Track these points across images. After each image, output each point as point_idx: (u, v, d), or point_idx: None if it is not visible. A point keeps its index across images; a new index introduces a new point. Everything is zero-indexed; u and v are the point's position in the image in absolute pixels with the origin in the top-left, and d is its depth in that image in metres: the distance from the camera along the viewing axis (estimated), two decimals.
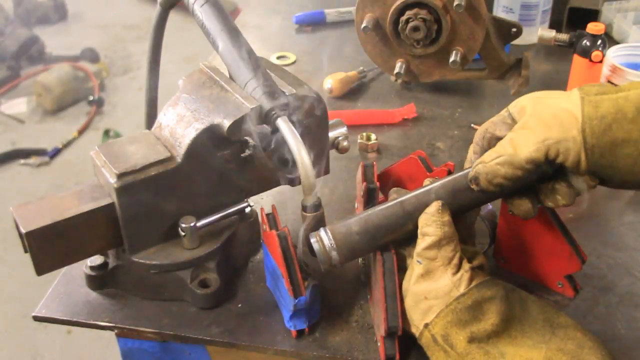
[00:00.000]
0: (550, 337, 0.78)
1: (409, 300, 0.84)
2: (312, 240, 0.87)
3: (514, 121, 0.86)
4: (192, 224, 0.97)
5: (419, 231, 0.85)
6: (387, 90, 1.60)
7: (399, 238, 0.88)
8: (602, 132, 0.78)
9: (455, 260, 0.83)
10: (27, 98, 4.17)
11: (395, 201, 0.88)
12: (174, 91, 1.02)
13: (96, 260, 1.00)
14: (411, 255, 0.86)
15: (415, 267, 0.84)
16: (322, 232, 0.87)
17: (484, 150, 0.89)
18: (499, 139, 0.87)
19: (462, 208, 0.88)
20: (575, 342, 0.78)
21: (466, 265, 0.83)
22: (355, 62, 1.66)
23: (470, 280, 0.81)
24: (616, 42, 1.66)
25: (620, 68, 1.28)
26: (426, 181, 0.92)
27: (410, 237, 0.87)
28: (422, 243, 0.84)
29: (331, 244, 0.86)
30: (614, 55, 1.33)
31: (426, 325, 0.82)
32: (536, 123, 0.81)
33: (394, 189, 0.94)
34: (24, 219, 0.91)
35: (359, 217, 0.88)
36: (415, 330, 0.84)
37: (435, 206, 0.84)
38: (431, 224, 0.84)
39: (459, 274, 0.82)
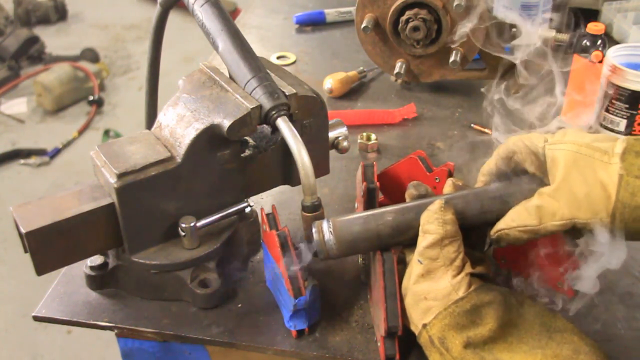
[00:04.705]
0: (547, 342, 0.78)
1: (409, 299, 0.84)
2: (313, 229, 0.87)
3: (543, 164, 0.85)
4: (192, 224, 0.97)
5: (420, 229, 0.84)
6: (387, 90, 1.60)
7: (400, 241, 0.88)
8: (632, 219, 0.77)
9: (458, 262, 0.82)
10: (27, 98, 4.17)
11: (401, 206, 0.88)
12: (174, 91, 1.02)
13: (96, 260, 1.00)
14: (412, 252, 0.86)
15: (415, 266, 0.84)
16: (324, 223, 0.88)
17: (502, 171, 0.89)
18: (524, 170, 0.87)
19: (480, 222, 0.88)
20: (572, 346, 0.77)
21: (468, 269, 0.82)
22: (355, 62, 1.66)
23: (470, 284, 0.81)
24: (616, 42, 1.66)
25: (620, 68, 1.28)
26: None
27: (413, 240, 0.87)
28: (423, 241, 0.83)
29: (330, 236, 0.86)
30: (614, 55, 1.32)
31: (424, 326, 0.82)
32: (566, 198, 0.80)
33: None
34: (24, 219, 0.91)
35: (363, 214, 0.88)
36: (415, 328, 0.84)
37: (438, 204, 0.83)
38: (433, 222, 0.83)
39: (459, 277, 0.81)
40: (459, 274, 0.81)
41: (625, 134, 1.34)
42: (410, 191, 0.92)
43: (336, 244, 0.87)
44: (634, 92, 1.28)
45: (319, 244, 0.87)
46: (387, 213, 0.87)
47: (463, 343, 0.78)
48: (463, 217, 0.86)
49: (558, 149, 0.82)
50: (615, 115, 1.32)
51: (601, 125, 1.36)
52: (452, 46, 1.43)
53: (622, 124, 1.32)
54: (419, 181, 0.94)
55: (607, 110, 1.33)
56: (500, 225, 0.85)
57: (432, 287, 0.82)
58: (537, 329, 0.79)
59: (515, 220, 0.84)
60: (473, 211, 0.87)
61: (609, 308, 0.98)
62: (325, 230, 0.87)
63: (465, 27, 1.29)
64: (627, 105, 1.30)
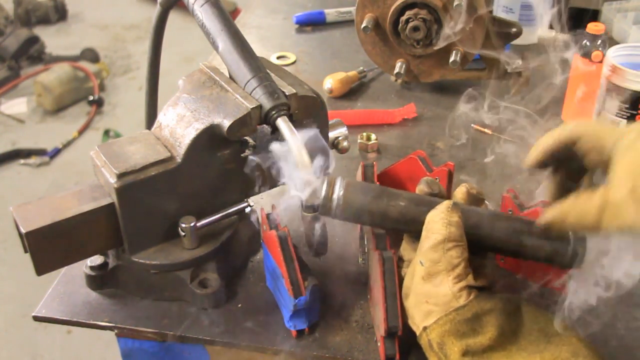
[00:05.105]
0: (545, 346, 0.77)
1: (411, 299, 0.84)
2: (324, 183, 0.86)
3: (606, 161, 0.77)
4: (192, 224, 0.97)
5: (424, 227, 0.83)
6: (387, 90, 1.60)
7: (403, 231, 0.87)
8: None
9: (460, 270, 0.80)
10: (27, 98, 4.17)
11: (417, 195, 0.87)
12: (174, 91, 1.02)
13: (96, 260, 1.00)
14: (414, 250, 0.86)
15: (417, 267, 0.83)
16: (337, 180, 0.86)
17: (556, 155, 0.84)
18: (577, 164, 0.82)
19: (487, 245, 0.86)
20: (571, 348, 0.76)
21: (470, 280, 0.80)
22: (355, 62, 1.66)
23: (471, 292, 0.79)
24: (616, 42, 1.66)
25: (620, 68, 1.28)
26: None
27: (416, 235, 0.86)
28: (426, 241, 0.82)
29: (340, 195, 0.85)
30: (614, 55, 1.32)
31: (425, 328, 0.81)
32: (636, 208, 0.71)
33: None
34: (24, 219, 0.91)
35: (379, 187, 0.87)
36: (416, 328, 0.84)
37: (445, 204, 0.82)
38: (437, 221, 0.81)
39: (460, 285, 0.79)
40: (460, 281, 0.80)
41: None
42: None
43: (342, 204, 0.85)
44: (634, 92, 1.28)
45: (325, 199, 0.85)
46: (402, 197, 0.86)
47: (462, 351, 0.77)
48: (475, 231, 0.84)
49: (633, 150, 0.74)
50: (615, 115, 1.32)
51: None
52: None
53: (622, 124, 1.32)
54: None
55: (607, 110, 1.33)
56: (560, 213, 0.78)
57: (433, 291, 0.81)
58: (536, 335, 0.79)
59: (573, 215, 0.77)
60: (484, 231, 0.85)
61: (609, 308, 0.98)
62: (337, 187, 0.85)
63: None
64: (627, 105, 1.30)
